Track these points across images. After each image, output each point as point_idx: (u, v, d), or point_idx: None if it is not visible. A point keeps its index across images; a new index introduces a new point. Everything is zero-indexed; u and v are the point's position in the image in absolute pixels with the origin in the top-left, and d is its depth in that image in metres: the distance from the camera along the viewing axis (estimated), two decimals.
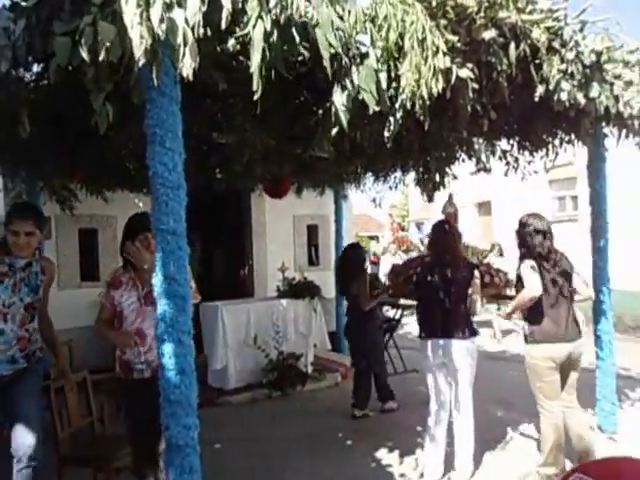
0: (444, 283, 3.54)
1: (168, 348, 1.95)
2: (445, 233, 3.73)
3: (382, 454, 3.98)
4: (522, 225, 3.57)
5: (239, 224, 7.79)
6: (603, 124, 3.62)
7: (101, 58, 1.82)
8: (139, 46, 1.77)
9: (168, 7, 1.76)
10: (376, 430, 4.45)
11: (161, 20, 1.73)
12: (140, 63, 1.80)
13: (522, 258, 3.50)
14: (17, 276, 2.78)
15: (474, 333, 3.60)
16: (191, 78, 1.82)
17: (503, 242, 8.74)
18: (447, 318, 3.51)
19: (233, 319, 5.70)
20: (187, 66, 1.79)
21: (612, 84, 3.07)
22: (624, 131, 3.62)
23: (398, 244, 15.27)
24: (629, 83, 3.12)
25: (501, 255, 8.09)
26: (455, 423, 3.58)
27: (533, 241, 3.46)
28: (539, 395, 3.45)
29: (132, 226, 2.89)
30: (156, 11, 1.73)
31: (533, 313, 3.45)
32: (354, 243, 5.43)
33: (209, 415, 4.45)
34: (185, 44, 1.78)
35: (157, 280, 2.01)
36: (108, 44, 1.81)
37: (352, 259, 5.11)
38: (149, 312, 2.67)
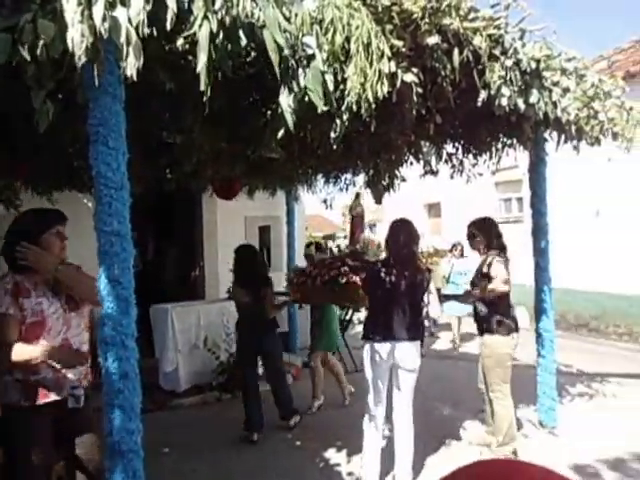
0: (398, 284, 3.41)
1: (111, 352, 1.90)
2: (401, 233, 3.53)
3: (331, 454, 4.02)
4: (489, 222, 3.89)
5: (190, 225, 7.69)
6: (543, 129, 3.79)
7: (39, 55, 1.77)
8: (80, 44, 1.73)
9: (111, 6, 1.73)
10: (325, 430, 4.48)
11: (103, 19, 1.70)
12: (81, 62, 1.76)
13: (489, 253, 3.78)
14: None
15: (421, 337, 3.56)
16: (135, 78, 1.79)
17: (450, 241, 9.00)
18: (399, 320, 3.41)
19: (183, 321, 5.63)
20: (131, 65, 1.76)
21: (550, 91, 3.22)
22: (563, 136, 3.81)
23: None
24: (566, 90, 3.29)
25: (462, 256, 7.94)
26: (396, 429, 3.53)
27: (500, 237, 3.79)
28: (497, 381, 3.73)
29: (30, 224, 2.41)
30: (98, 9, 1.70)
31: (503, 305, 3.73)
32: (247, 244, 5.24)
33: (159, 418, 4.40)
34: (129, 43, 1.75)
35: (101, 282, 1.96)
36: (47, 42, 1.77)
37: (249, 259, 4.70)
38: (73, 319, 2.40)
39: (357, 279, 3.94)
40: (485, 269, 3.77)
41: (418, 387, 3.57)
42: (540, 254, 4.39)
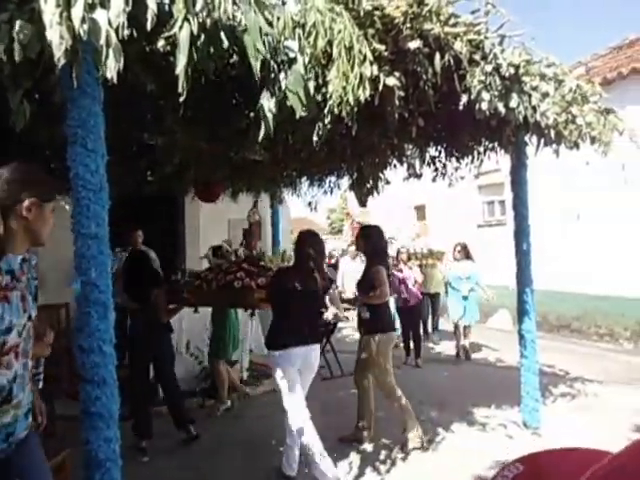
0: (306, 290, 3.55)
1: (88, 358, 1.87)
2: (307, 243, 3.69)
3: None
4: (379, 234, 4.28)
5: (172, 228, 7.61)
6: (523, 133, 3.83)
7: (17, 57, 1.75)
8: (59, 46, 1.71)
9: (90, 7, 1.71)
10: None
11: (82, 20, 1.68)
12: (60, 63, 1.74)
13: (375, 262, 4.16)
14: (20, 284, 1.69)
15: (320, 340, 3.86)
16: (115, 80, 1.77)
17: (436, 243, 9.05)
18: (308, 325, 3.57)
19: None
20: (111, 67, 1.74)
21: (530, 95, 3.25)
22: (542, 140, 3.86)
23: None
24: (545, 95, 3.33)
25: (467, 258, 7.36)
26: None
27: (385, 249, 4.22)
28: (379, 370, 4.12)
29: None
30: (77, 11, 1.68)
31: (383, 307, 4.20)
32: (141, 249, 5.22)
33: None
34: (108, 45, 1.73)
35: (77, 286, 1.93)
36: (24, 42, 1.75)
37: (142, 260, 4.58)
38: None
39: (253, 284, 4.07)
40: (370, 276, 4.16)
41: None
42: (522, 256, 4.43)
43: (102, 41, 1.74)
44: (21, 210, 1.62)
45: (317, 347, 3.67)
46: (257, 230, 6.36)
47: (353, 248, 12.73)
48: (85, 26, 1.71)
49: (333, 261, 13.58)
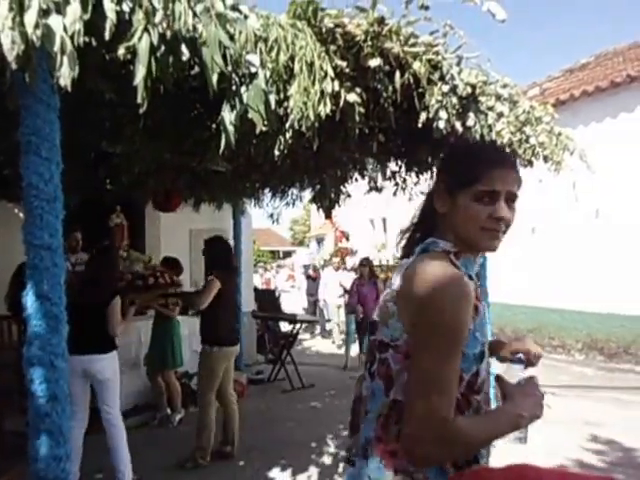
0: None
1: (38, 373, 1.81)
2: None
3: (275, 473, 3.97)
4: (220, 245, 4.46)
5: (131, 237, 7.45)
6: None
7: None
8: (10, 51, 1.67)
9: (45, 13, 1.67)
10: (269, 448, 4.42)
11: (36, 26, 1.64)
12: (13, 68, 1.70)
13: (212, 273, 4.27)
14: None
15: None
16: (70, 88, 1.73)
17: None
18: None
19: (122, 338, 5.39)
20: (65, 76, 1.70)
21: (486, 115, 3.37)
22: None
23: (342, 256, 12.95)
24: (500, 115, 3.45)
25: None
26: None
27: (228, 260, 4.39)
28: (203, 390, 4.24)
29: None
30: (31, 16, 1.64)
31: (212, 317, 4.22)
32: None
33: (94, 441, 4.18)
34: (63, 52, 1.69)
35: (28, 298, 1.87)
36: None
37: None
38: None
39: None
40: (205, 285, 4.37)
41: None
42: (479, 271, 4.53)
43: (56, 48, 1.70)
44: None
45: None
46: (120, 232, 6.43)
47: (337, 260, 12.55)
48: (39, 32, 1.67)
49: (311, 272, 12.57)
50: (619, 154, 7.61)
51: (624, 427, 4.70)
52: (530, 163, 3.97)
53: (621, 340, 7.68)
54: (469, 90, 3.11)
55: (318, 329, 11.52)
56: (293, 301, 12.59)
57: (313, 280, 12.10)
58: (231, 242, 7.61)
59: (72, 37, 1.72)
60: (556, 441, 4.38)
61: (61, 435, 1.85)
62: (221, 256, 4.38)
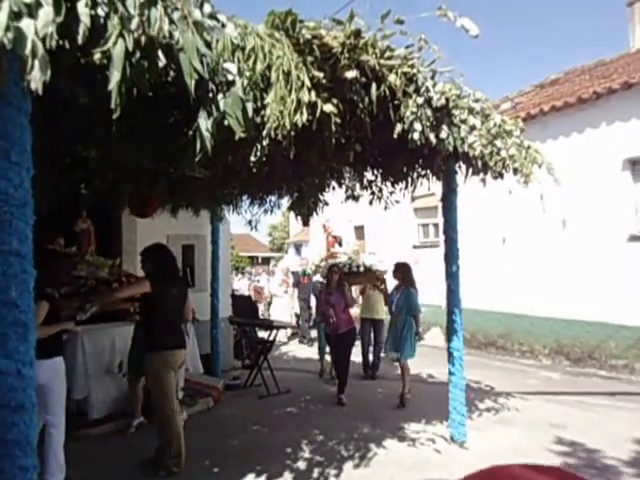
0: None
1: (5, 381, 1.77)
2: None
3: (249, 478, 3.94)
4: (160, 253, 4.28)
5: (108, 242, 7.35)
6: (453, 162, 4.03)
7: None
8: None
9: (16, 16, 1.65)
10: (244, 455, 4.39)
11: (7, 29, 1.62)
12: None
13: (152, 280, 4.11)
14: None
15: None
16: (41, 92, 1.72)
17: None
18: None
19: (95, 345, 5.31)
20: (36, 79, 1.69)
21: (459, 127, 3.44)
22: (470, 169, 4.08)
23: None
24: (473, 128, 3.53)
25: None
26: None
27: (170, 267, 4.27)
28: (157, 395, 4.12)
29: None
30: (1, 19, 1.62)
31: (154, 323, 4.15)
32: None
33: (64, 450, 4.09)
34: (34, 56, 1.68)
35: None
36: None
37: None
38: None
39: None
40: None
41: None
42: (451, 277, 4.60)
43: (28, 51, 1.68)
44: None
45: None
46: (86, 237, 6.43)
47: (327, 264, 12.02)
48: (10, 34, 1.65)
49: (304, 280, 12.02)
50: (585, 168, 7.84)
51: (587, 429, 4.82)
52: (500, 175, 4.07)
53: (585, 345, 7.88)
54: (443, 101, 3.18)
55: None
56: (284, 304, 12.58)
57: (305, 285, 11.87)
58: (209, 247, 7.62)
59: (44, 40, 1.70)
60: (522, 443, 4.47)
61: (28, 445, 1.82)
62: (160, 263, 4.23)
